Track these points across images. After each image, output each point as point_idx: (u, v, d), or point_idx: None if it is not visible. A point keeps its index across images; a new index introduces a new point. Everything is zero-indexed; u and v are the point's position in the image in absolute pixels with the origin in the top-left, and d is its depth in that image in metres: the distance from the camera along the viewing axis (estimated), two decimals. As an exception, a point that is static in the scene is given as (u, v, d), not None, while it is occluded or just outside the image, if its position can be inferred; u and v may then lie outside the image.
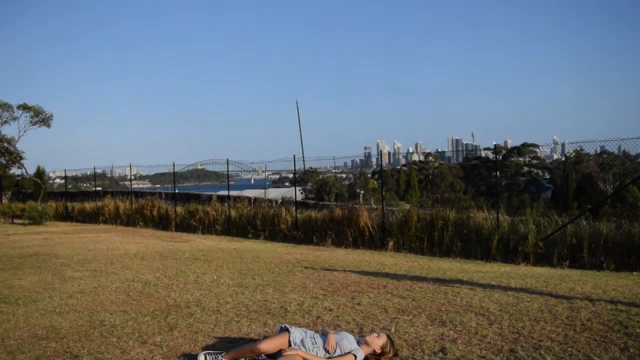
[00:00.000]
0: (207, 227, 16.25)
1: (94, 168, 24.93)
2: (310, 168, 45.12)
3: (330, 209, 13.54)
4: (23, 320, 5.18)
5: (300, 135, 63.20)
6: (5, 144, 25.34)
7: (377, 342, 3.96)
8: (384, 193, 18.53)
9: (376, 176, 53.44)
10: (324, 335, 4.03)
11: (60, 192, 27.00)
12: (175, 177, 20.85)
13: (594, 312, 5.10)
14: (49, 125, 24.83)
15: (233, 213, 15.93)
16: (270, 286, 6.68)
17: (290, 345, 3.84)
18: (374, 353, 3.96)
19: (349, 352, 3.88)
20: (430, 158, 62.12)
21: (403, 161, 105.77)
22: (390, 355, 3.97)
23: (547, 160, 66.75)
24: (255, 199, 19.27)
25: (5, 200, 27.35)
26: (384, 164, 17.67)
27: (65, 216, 22.36)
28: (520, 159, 57.56)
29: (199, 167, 22.01)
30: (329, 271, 7.88)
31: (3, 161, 26.80)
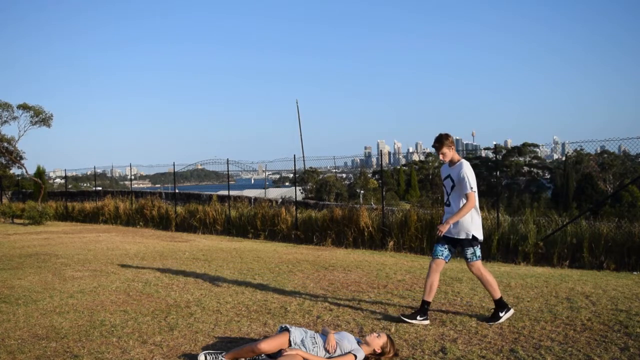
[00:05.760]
0: (207, 227, 16.24)
1: (94, 168, 24.94)
2: (311, 168, 45.14)
3: (330, 209, 13.53)
4: (23, 320, 5.18)
5: (301, 135, 63.48)
6: (5, 144, 25.31)
7: (378, 341, 3.96)
8: (384, 193, 18.51)
9: (376, 176, 53.45)
10: (324, 335, 4.03)
11: (60, 192, 26.99)
12: (175, 177, 20.84)
13: (594, 312, 5.10)
14: (49, 125, 24.77)
15: (233, 213, 15.93)
16: (270, 286, 6.68)
17: (290, 345, 3.84)
18: (374, 353, 3.96)
19: (349, 352, 3.88)
20: (431, 158, 61.95)
21: (403, 161, 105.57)
22: (391, 355, 3.97)
23: (547, 160, 66.60)
24: (255, 198, 19.27)
25: (5, 200, 27.34)
26: (384, 163, 17.66)
27: (65, 216, 22.35)
28: (521, 158, 57.45)
29: (199, 167, 21.99)
30: (329, 271, 7.88)
31: (3, 161, 26.77)
